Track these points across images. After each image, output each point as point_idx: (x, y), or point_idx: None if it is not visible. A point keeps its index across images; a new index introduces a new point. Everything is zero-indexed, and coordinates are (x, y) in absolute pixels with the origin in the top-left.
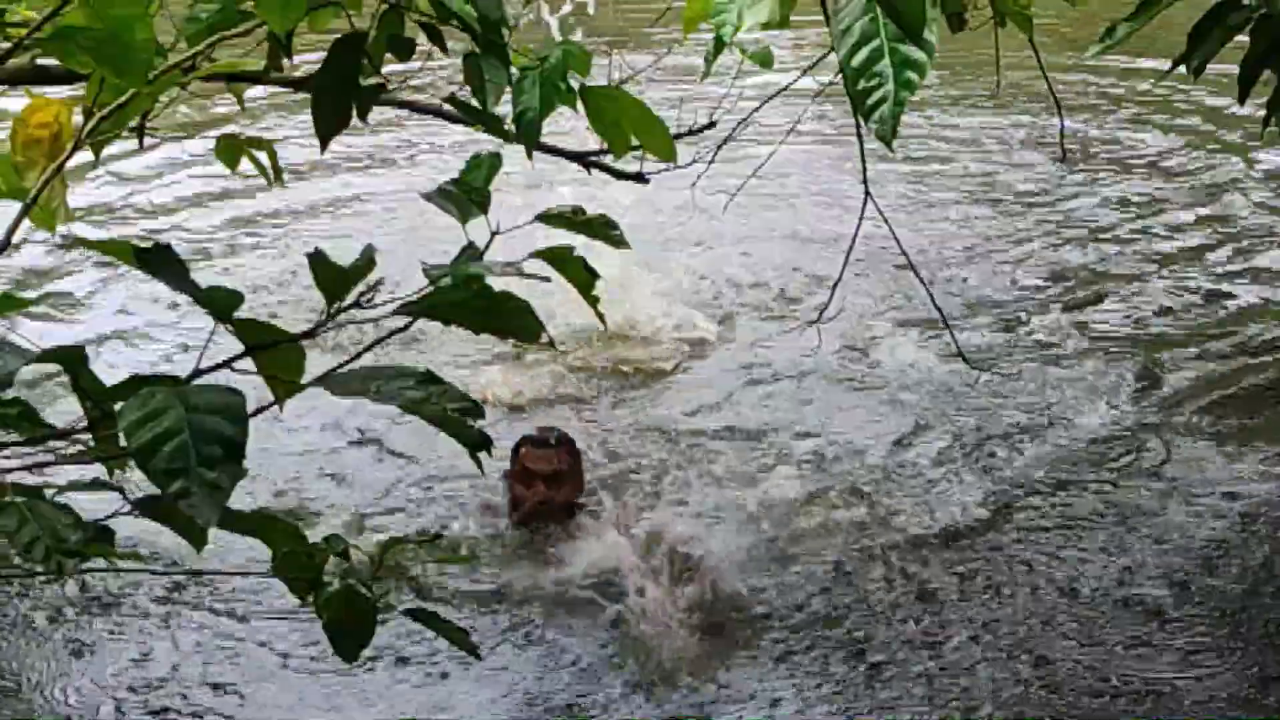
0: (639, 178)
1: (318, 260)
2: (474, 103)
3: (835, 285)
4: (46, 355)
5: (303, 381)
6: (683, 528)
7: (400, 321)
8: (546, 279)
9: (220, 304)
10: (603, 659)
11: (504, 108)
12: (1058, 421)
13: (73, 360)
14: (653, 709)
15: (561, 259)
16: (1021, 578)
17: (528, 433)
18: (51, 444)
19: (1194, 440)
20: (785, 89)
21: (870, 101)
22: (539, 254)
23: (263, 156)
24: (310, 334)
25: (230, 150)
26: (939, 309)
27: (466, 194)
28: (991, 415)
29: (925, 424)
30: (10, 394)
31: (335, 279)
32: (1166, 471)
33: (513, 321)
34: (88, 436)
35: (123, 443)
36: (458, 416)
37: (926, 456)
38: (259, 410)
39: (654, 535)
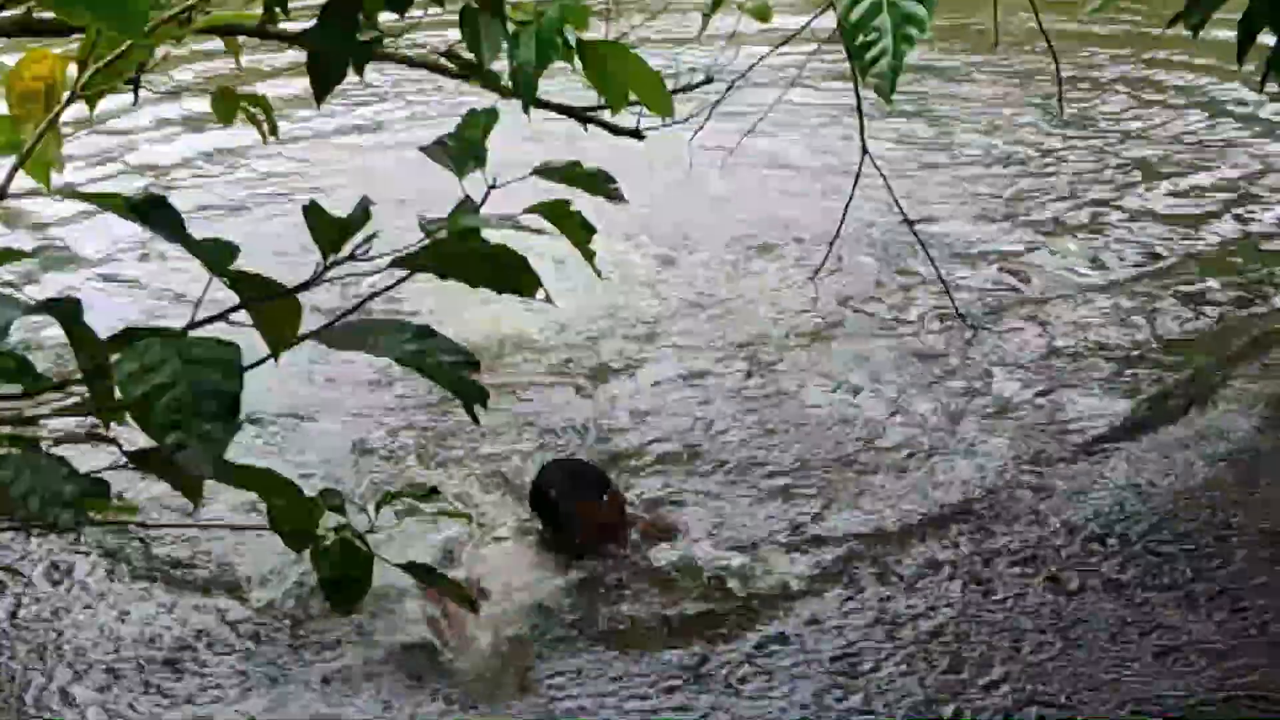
0: (636, 134)
1: (314, 212)
2: (470, 58)
3: (833, 241)
4: (41, 307)
5: (299, 334)
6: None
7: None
8: (542, 232)
9: (216, 256)
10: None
11: (500, 64)
12: (1058, 380)
13: (67, 312)
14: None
15: (559, 213)
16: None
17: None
18: (46, 397)
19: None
20: (783, 44)
21: (869, 56)
22: (536, 208)
23: (258, 113)
24: (306, 286)
25: (226, 105)
26: (935, 265)
27: (463, 149)
28: (989, 370)
29: (922, 381)
30: (4, 346)
31: (331, 230)
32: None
33: (510, 275)
34: (83, 389)
35: (118, 395)
36: (454, 370)
37: (919, 415)
38: (255, 364)
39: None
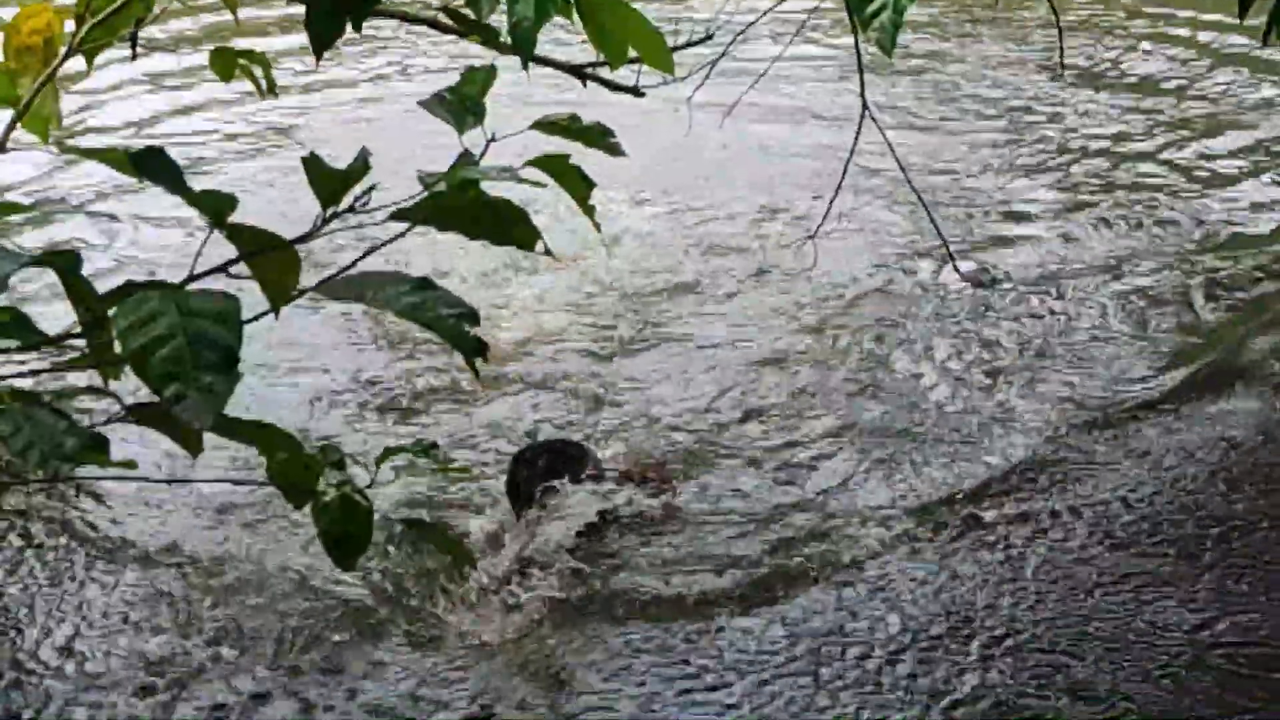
0: (635, 91)
1: (312, 164)
2: (469, 13)
3: (832, 200)
4: (40, 259)
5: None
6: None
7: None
8: (542, 185)
9: (214, 208)
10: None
11: (499, 19)
12: (1066, 334)
13: (66, 265)
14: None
15: (558, 168)
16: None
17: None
18: (45, 351)
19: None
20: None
21: (870, 10)
22: (535, 162)
23: (257, 70)
24: (306, 238)
25: (224, 62)
26: (935, 222)
27: (461, 104)
28: (996, 331)
29: (924, 341)
30: (2, 300)
31: (330, 182)
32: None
33: (509, 228)
34: (81, 343)
35: (117, 348)
36: (454, 322)
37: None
38: (254, 318)
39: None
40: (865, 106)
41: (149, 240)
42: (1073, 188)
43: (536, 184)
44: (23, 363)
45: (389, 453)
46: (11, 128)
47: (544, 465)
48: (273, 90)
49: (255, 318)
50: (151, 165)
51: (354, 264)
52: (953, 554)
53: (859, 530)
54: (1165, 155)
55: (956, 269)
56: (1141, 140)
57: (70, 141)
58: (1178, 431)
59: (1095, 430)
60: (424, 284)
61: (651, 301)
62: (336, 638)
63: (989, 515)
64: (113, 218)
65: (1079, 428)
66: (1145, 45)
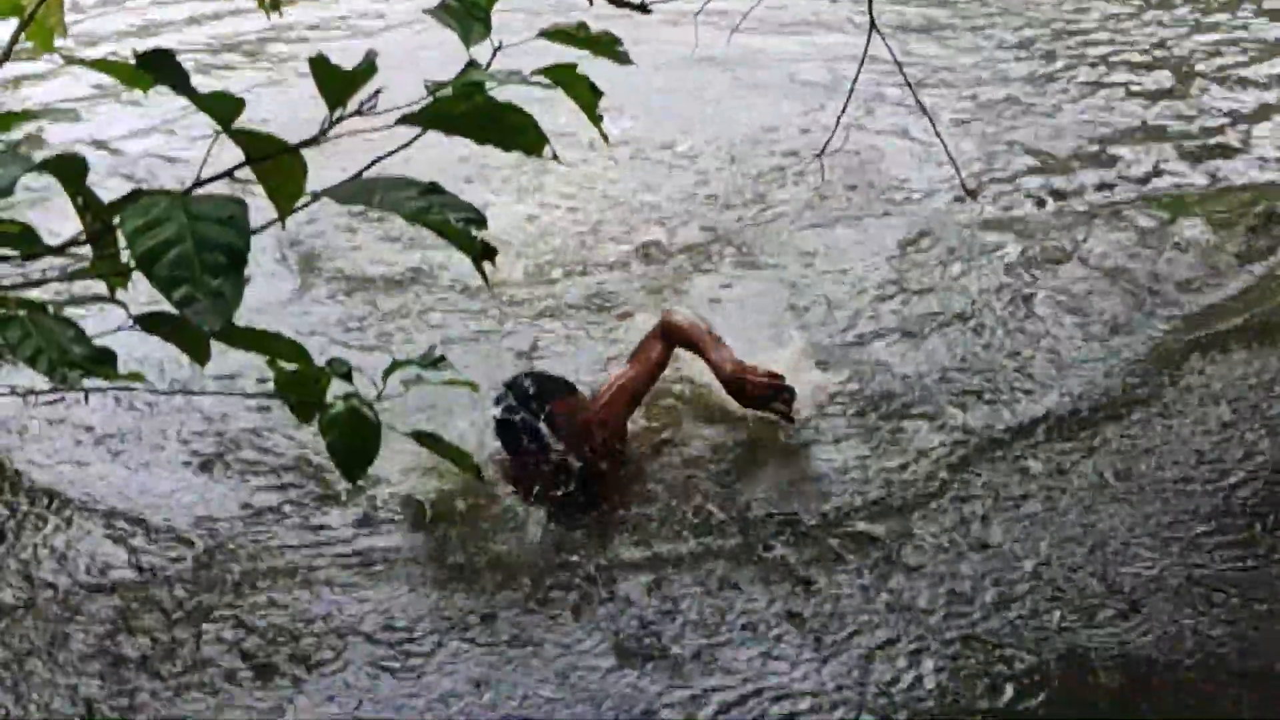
0: (642, 8)
1: (319, 64)
2: None
3: (839, 117)
4: (46, 164)
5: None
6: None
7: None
8: (550, 85)
9: (221, 110)
10: None
11: None
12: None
13: (72, 171)
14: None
15: (567, 77)
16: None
17: (523, 384)
18: (52, 262)
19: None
20: None
21: None
22: (542, 71)
23: None
24: (312, 142)
25: None
26: (940, 136)
27: (469, 13)
28: (998, 245)
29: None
30: (7, 213)
31: (337, 82)
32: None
33: (516, 134)
34: (87, 251)
35: (125, 257)
36: (461, 227)
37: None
38: (263, 228)
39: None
40: (872, 24)
41: (154, 148)
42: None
43: (546, 85)
44: (28, 275)
45: (396, 365)
46: (16, 37)
47: (530, 390)
48: (278, 9)
49: (263, 227)
50: (160, 67)
51: (360, 172)
52: None
53: None
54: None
55: (963, 185)
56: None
57: (75, 49)
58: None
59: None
60: (432, 188)
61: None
62: None
63: None
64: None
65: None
66: None
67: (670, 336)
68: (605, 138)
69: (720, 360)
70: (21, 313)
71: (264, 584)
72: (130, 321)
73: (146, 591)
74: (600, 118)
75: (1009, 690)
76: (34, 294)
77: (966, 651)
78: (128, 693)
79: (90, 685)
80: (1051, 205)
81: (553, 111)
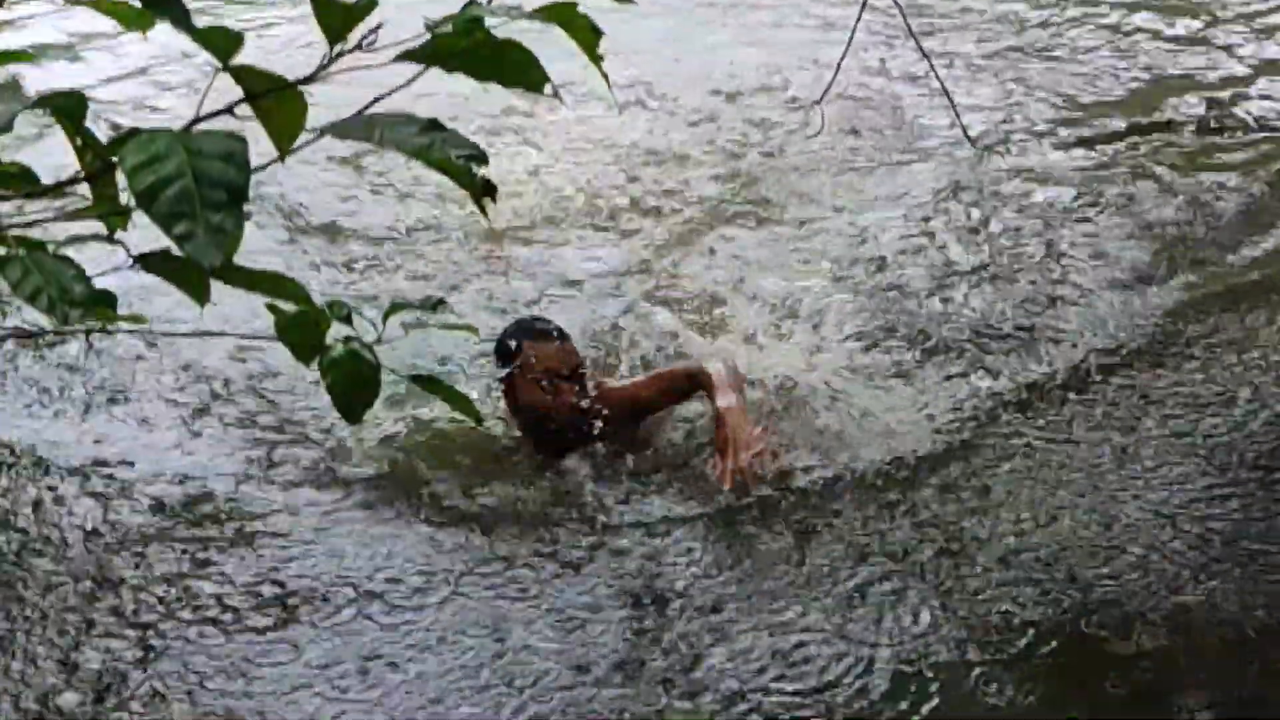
0: None
1: None
2: None
3: (839, 62)
4: (45, 100)
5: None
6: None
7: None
8: (555, 20)
9: (221, 45)
10: None
11: None
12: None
13: (72, 107)
14: None
15: (566, 15)
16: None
17: (507, 329)
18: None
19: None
20: None
21: None
22: (542, 10)
23: None
24: (311, 79)
25: None
26: (940, 80)
27: None
28: (1024, 193)
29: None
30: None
31: (336, 18)
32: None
33: (518, 70)
34: (86, 191)
35: (124, 198)
36: (462, 163)
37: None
38: (263, 167)
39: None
40: None
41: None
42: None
43: (547, 20)
44: (27, 215)
45: (395, 308)
46: None
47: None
48: None
49: (263, 166)
50: (162, 1)
51: (363, 109)
52: None
53: None
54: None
55: (964, 131)
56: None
57: None
58: None
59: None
60: (433, 125)
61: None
62: None
63: None
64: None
65: None
66: None
67: (698, 381)
68: (607, 79)
69: (731, 405)
70: (21, 252)
71: (259, 530)
72: (130, 261)
73: (137, 543)
74: (601, 58)
75: (1019, 642)
76: (34, 234)
77: (976, 603)
78: (113, 651)
79: (76, 643)
80: (1077, 152)
81: (548, 59)
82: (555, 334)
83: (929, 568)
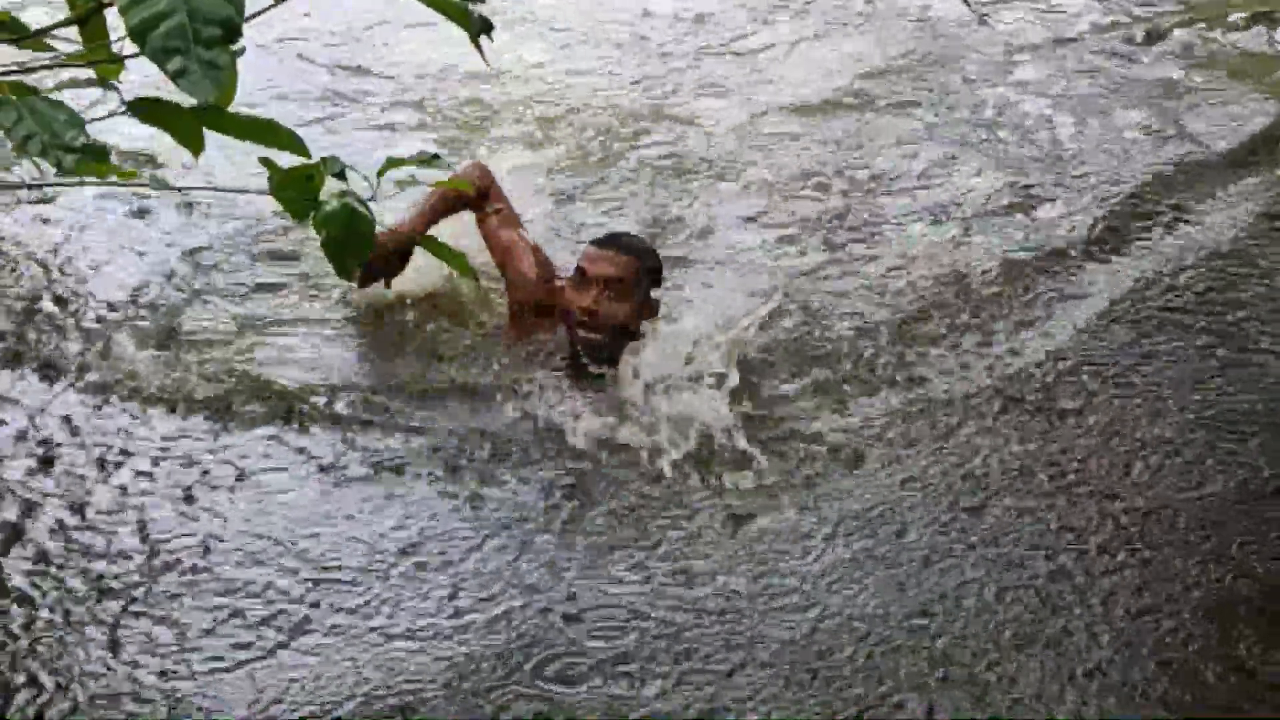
0: None
1: None
2: None
3: None
4: None
5: None
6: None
7: None
8: None
9: None
10: None
11: None
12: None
13: None
14: None
15: None
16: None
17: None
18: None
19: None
20: None
21: None
22: None
23: None
24: None
25: None
26: None
27: None
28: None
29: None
30: None
31: None
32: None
33: None
34: (77, 38)
35: (116, 48)
36: (459, 2)
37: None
38: (258, 13)
39: None
40: None
41: None
42: None
43: None
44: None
45: (391, 163)
46: None
47: None
48: None
49: (258, 13)
50: None
51: None
52: None
53: None
54: None
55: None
56: None
57: None
58: None
59: None
60: None
61: None
62: None
63: None
64: None
65: None
66: None
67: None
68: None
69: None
70: (14, 97)
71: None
72: (122, 107)
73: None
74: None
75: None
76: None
77: (991, 545)
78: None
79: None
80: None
81: None
82: (612, 242)
83: (931, 495)
